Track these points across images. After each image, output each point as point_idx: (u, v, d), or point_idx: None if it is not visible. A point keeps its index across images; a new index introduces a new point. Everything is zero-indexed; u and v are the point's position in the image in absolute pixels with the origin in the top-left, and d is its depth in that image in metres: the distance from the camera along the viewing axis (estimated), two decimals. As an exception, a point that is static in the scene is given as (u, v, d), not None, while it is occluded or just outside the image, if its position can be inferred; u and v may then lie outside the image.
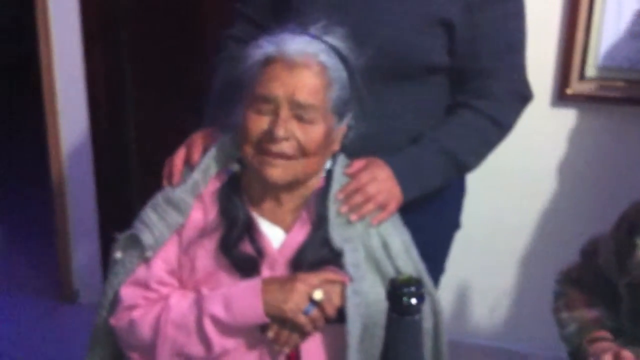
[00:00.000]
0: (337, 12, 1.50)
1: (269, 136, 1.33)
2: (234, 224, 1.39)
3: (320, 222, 1.40)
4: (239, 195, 1.42)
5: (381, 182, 1.46)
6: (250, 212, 1.41)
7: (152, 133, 2.90)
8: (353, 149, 1.48)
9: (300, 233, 1.40)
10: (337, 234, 1.38)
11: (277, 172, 1.36)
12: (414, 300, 0.76)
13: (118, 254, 1.44)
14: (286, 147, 1.34)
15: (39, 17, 2.70)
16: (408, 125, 1.58)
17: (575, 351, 1.49)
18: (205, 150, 1.48)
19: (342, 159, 1.47)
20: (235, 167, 1.44)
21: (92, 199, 2.94)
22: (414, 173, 1.52)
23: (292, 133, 1.34)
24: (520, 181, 2.53)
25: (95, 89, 2.81)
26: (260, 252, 1.39)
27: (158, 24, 2.81)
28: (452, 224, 1.80)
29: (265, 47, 1.35)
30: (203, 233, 1.40)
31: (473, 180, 1.79)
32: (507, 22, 1.56)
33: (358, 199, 1.43)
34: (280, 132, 1.32)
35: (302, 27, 1.39)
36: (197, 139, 1.52)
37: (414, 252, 1.45)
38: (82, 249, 3.02)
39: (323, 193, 1.42)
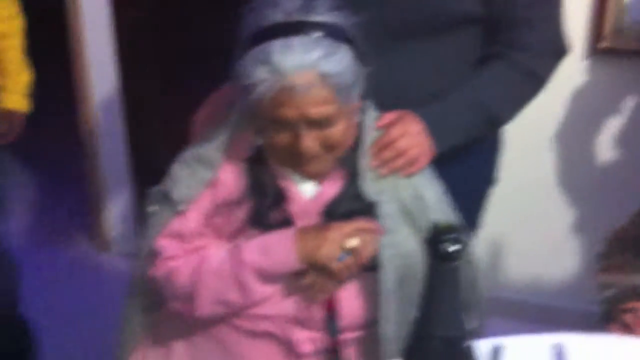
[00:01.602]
0: None
1: (295, 151, 1.33)
2: (263, 198, 1.40)
3: (352, 176, 1.41)
4: (266, 165, 1.41)
5: (412, 136, 1.46)
6: (278, 181, 1.41)
7: (183, 85, 2.91)
8: (382, 101, 1.47)
9: (333, 187, 1.42)
10: (370, 187, 1.40)
11: (313, 170, 1.38)
12: (454, 247, 0.77)
13: (152, 207, 1.46)
14: (313, 153, 1.34)
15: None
16: (440, 78, 1.56)
17: (606, 316, 1.49)
18: (231, 106, 1.46)
19: (371, 112, 1.46)
20: (260, 140, 1.40)
21: (124, 149, 2.97)
22: (446, 126, 1.51)
23: (315, 142, 1.33)
24: (554, 136, 2.52)
25: (124, 40, 2.81)
26: (290, 222, 1.40)
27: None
28: (487, 179, 1.78)
29: (261, 77, 1.26)
30: (234, 201, 1.41)
31: (507, 135, 1.79)
32: None
33: (388, 153, 1.43)
34: (303, 147, 1.32)
35: (278, 7, 1.30)
36: (223, 95, 1.52)
37: (448, 204, 1.47)
38: (116, 200, 3.07)
39: (354, 147, 1.42)
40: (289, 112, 1.29)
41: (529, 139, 2.46)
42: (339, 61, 1.28)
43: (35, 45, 2.22)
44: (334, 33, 1.30)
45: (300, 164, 1.37)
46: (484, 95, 1.55)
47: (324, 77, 1.27)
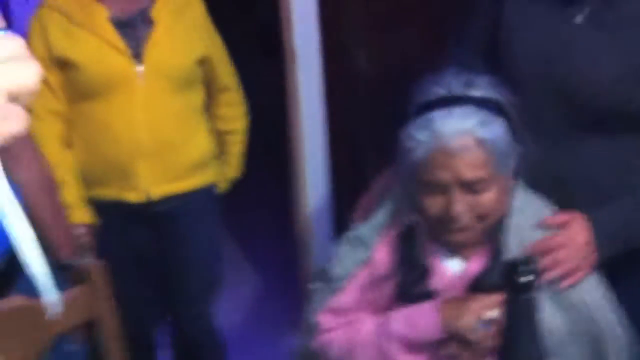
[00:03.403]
0: (546, 64, 1.53)
1: (446, 217, 1.40)
2: (409, 272, 1.48)
3: (497, 253, 1.44)
4: (415, 243, 1.48)
5: (575, 248, 1.44)
6: (426, 257, 1.48)
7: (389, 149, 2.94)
8: (560, 193, 1.50)
9: (479, 263, 1.47)
10: None
11: (461, 240, 1.44)
12: (529, 278, 0.80)
13: (315, 285, 1.62)
14: (465, 221, 1.39)
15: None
16: (623, 176, 1.55)
17: None
18: (389, 190, 1.58)
19: (521, 188, 1.49)
20: (413, 218, 1.48)
21: (329, 209, 3.09)
22: (620, 230, 1.49)
23: (467, 208, 1.38)
24: None
25: (333, 100, 2.85)
26: (432, 297, 1.46)
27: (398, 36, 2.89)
28: None
29: (421, 139, 1.38)
30: (385, 276, 1.51)
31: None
32: None
33: (546, 262, 1.42)
34: (455, 211, 1.38)
35: (443, 85, 1.41)
36: (384, 180, 1.65)
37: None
38: (319, 251, 3.11)
39: (499, 224, 1.45)
40: (444, 174, 1.38)
41: None
42: (494, 130, 1.38)
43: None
44: (491, 106, 1.40)
45: (450, 231, 1.43)
46: None
47: (480, 142, 1.37)
